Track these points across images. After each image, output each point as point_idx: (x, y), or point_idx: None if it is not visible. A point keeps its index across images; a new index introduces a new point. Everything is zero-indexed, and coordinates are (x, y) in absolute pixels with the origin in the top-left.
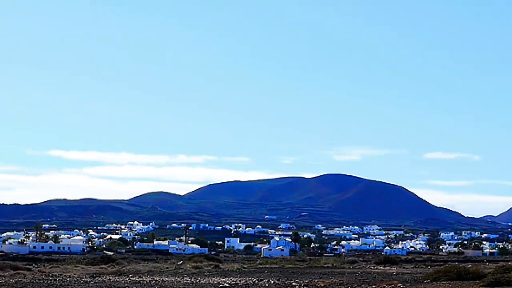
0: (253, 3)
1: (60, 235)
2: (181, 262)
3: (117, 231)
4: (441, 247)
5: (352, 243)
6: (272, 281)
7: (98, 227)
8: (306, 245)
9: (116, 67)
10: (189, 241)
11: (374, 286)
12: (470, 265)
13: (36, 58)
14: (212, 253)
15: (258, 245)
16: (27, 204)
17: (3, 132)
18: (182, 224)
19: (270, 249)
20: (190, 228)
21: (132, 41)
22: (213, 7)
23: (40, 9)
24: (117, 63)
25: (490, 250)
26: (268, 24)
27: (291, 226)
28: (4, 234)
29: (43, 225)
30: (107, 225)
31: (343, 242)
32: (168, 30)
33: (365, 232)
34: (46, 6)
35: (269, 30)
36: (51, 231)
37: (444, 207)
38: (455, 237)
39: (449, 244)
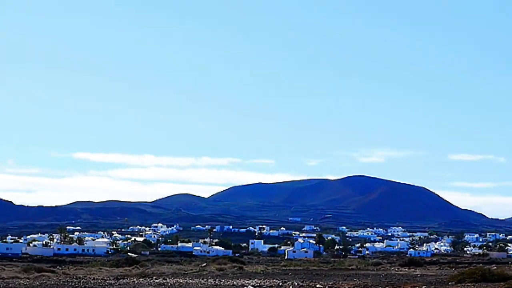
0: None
1: (84, 237)
2: (205, 264)
3: (141, 233)
4: (465, 249)
5: (377, 245)
6: (296, 283)
7: (122, 229)
8: (330, 247)
9: (139, 69)
10: (213, 243)
11: None
12: (495, 267)
13: (61, 60)
14: (236, 255)
15: (282, 247)
16: (51, 207)
17: (28, 135)
18: (206, 226)
19: (294, 251)
20: (214, 230)
21: (152, 43)
22: (232, 7)
23: (58, 10)
24: (140, 65)
25: None
26: (287, 24)
27: (315, 228)
28: (28, 236)
29: (68, 227)
30: (131, 227)
31: (367, 244)
32: (187, 31)
33: (390, 234)
34: (64, 8)
35: (289, 30)
36: (76, 233)
37: (469, 209)
38: (480, 239)
39: (474, 246)
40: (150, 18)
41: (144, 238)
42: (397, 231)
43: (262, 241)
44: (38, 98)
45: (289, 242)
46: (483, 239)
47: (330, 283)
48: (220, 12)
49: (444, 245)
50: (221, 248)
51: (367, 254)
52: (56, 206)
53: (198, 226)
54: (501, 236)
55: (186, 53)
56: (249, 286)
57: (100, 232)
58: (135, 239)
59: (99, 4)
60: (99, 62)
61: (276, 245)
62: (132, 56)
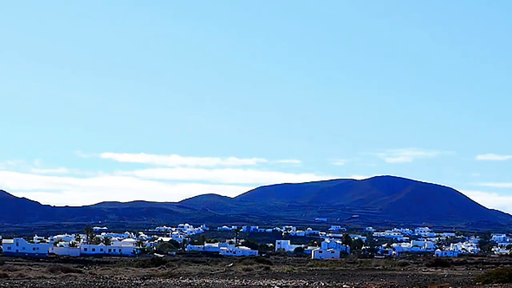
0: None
1: (111, 237)
2: (231, 264)
3: (167, 234)
4: (492, 249)
5: (403, 245)
6: (323, 283)
7: (149, 229)
8: (356, 247)
9: (165, 71)
10: (240, 243)
11: None
12: None
13: (88, 62)
14: (263, 255)
15: (309, 247)
16: (78, 207)
17: (55, 135)
18: (233, 227)
19: (320, 251)
20: (241, 230)
21: (175, 45)
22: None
23: (88, 13)
24: (164, 66)
25: None
26: (309, 24)
27: (342, 228)
28: (55, 237)
29: (94, 228)
30: (158, 227)
31: (394, 244)
32: (207, 33)
33: (416, 234)
34: (97, 11)
35: (312, 31)
36: (102, 234)
37: (496, 209)
38: (507, 239)
39: (501, 246)
40: (167, 19)
41: (171, 238)
42: (424, 231)
43: (289, 241)
44: (65, 98)
45: (315, 242)
46: (511, 239)
47: (357, 283)
48: (236, 11)
49: (471, 245)
50: (247, 248)
51: (394, 254)
52: (83, 206)
53: (225, 226)
54: None
55: (208, 54)
56: (276, 286)
57: (126, 232)
58: (161, 239)
59: (112, 5)
60: (124, 63)
61: (303, 245)
62: (155, 57)
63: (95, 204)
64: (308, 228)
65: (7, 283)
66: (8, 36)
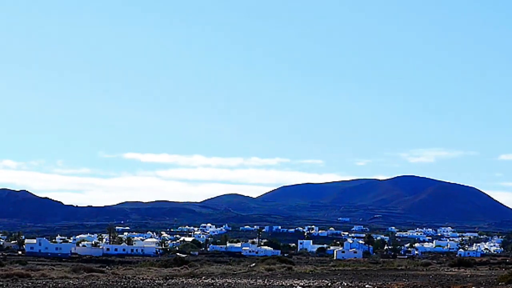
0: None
1: (133, 237)
2: (254, 264)
3: (190, 233)
4: None
5: (426, 245)
6: (345, 283)
7: (171, 229)
8: (379, 247)
9: (187, 73)
10: (262, 243)
11: None
12: None
13: (110, 64)
14: (285, 255)
15: (331, 247)
16: (100, 207)
17: (77, 135)
18: (255, 227)
19: (343, 251)
20: (263, 230)
21: (190, 47)
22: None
23: (101, 16)
24: (187, 68)
25: None
26: (326, 25)
27: (364, 228)
28: (78, 237)
29: (117, 227)
30: (180, 227)
31: (416, 244)
32: (217, 33)
33: (439, 234)
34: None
35: (330, 31)
36: (125, 233)
37: None
38: None
39: None
40: (178, 23)
41: (193, 238)
42: (447, 231)
43: (311, 241)
44: (88, 99)
45: (338, 242)
46: None
47: (380, 284)
48: (238, 14)
49: (494, 245)
50: (270, 248)
51: (417, 254)
52: (105, 206)
53: (247, 226)
54: None
55: (224, 55)
56: (298, 286)
57: (149, 232)
58: (184, 239)
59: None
60: (146, 65)
61: (325, 246)
62: (174, 58)
63: (118, 204)
64: (330, 228)
65: (30, 283)
66: (28, 38)
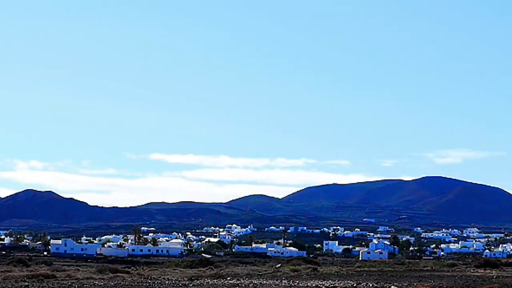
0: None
1: (158, 238)
2: (279, 265)
3: (215, 234)
4: None
5: (452, 246)
6: (371, 284)
7: (197, 230)
8: (405, 248)
9: (211, 73)
10: (287, 244)
11: None
12: None
13: (135, 64)
14: (311, 256)
15: (357, 248)
16: (126, 207)
17: (103, 136)
18: (280, 227)
19: (368, 252)
20: (288, 231)
21: (212, 48)
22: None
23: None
24: (211, 70)
25: None
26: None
27: (390, 229)
28: (103, 237)
29: (142, 228)
30: (205, 228)
31: (442, 245)
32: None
33: (465, 235)
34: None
35: (354, 32)
36: (150, 234)
37: None
38: None
39: None
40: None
41: (218, 239)
42: (473, 232)
43: (337, 242)
44: (114, 100)
45: (363, 243)
46: None
47: (405, 285)
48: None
49: None
50: (295, 249)
51: (442, 255)
52: (131, 207)
53: (272, 227)
54: None
55: (250, 57)
56: (323, 287)
57: (174, 233)
58: (209, 240)
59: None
60: (175, 68)
61: (351, 246)
62: (199, 59)
63: (143, 205)
64: (356, 229)
65: (55, 284)
66: (54, 40)
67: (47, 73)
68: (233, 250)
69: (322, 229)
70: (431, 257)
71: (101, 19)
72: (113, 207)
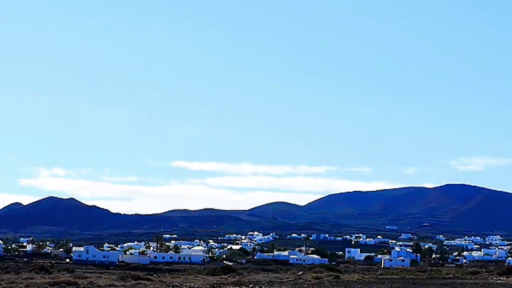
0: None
1: (180, 245)
2: (301, 272)
3: (237, 241)
4: None
5: (474, 253)
6: None
7: (218, 237)
8: (427, 256)
9: (234, 81)
10: (309, 252)
11: None
12: None
13: (157, 75)
14: (333, 263)
15: (379, 256)
16: (148, 215)
17: (126, 144)
18: (302, 235)
19: (390, 260)
20: (310, 238)
21: (233, 54)
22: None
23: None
24: (233, 77)
25: None
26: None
27: (412, 236)
28: (125, 244)
29: (164, 235)
30: (227, 235)
31: (465, 253)
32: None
33: (487, 242)
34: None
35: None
36: (172, 241)
37: None
38: None
39: None
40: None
41: (240, 246)
42: (495, 240)
43: (359, 249)
44: (136, 107)
45: (385, 250)
46: None
47: None
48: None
49: None
50: (317, 256)
51: (465, 262)
52: (153, 214)
53: (294, 235)
54: None
55: (276, 65)
56: None
57: (196, 240)
58: (231, 247)
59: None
60: (193, 74)
61: (373, 254)
62: (221, 65)
63: (165, 212)
64: (378, 237)
65: None
66: (79, 48)
67: (69, 82)
68: (255, 257)
69: (344, 237)
70: (454, 265)
71: (126, 29)
72: (135, 214)
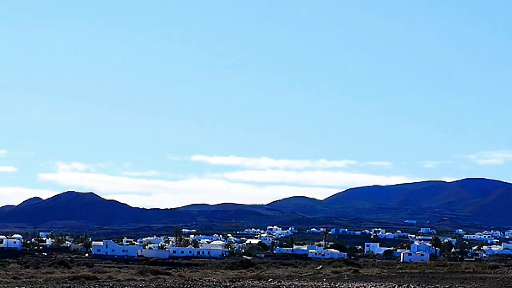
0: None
1: (199, 240)
2: (320, 266)
3: (256, 236)
4: None
5: (494, 248)
6: (413, 286)
7: (238, 232)
8: (446, 250)
9: (252, 74)
10: (328, 246)
11: None
12: None
13: (177, 68)
14: (352, 257)
15: (398, 250)
16: (167, 209)
17: (145, 138)
18: (321, 229)
19: (410, 254)
20: (330, 232)
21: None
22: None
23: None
24: (251, 70)
25: None
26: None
27: (431, 230)
28: (144, 239)
29: (183, 230)
30: (247, 229)
31: (484, 247)
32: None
33: (507, 236)
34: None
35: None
36: (191, 236)
37: None
38: None
39: None
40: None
41: (259, 240)
42: None
43: (378, 243)
44: (156, 102)
45: (405, 244)
46: None
47: (447, 286)
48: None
49: None
50: (336, 250)
51: (484, 257)
52: (172, 208)
53: (313, 229)
54: None
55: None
56: None
57: (215, 234)
58: (250, 241)
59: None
60: (213, 67)
61: (392, 248)
62: (242, 61)
63: (184, 207)
64: (397, 231)
65: (96, 285)
66: (91, 44)
67: (88, 79)
68: (274, 251)
69: (363, 231)
70: (473, 259)
71: (145, 34)
72: (155, 208)
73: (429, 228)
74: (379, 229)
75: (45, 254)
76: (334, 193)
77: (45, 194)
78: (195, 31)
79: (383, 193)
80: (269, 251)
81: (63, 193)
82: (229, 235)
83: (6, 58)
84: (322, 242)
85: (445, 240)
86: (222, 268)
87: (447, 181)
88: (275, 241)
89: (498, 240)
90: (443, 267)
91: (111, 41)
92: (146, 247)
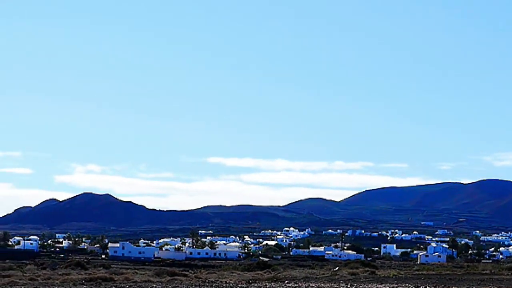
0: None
1: (216, 241)
2: (337, 268)
3: (272, 237)
4: None
5: (511, 249)
6: None
7: (254, 233)
8: (463, 252)
9: (267, 77)
10: (345, 247)
11: None
12: None
13: (191, 70)
14: (368, 259)
15: (415, 252)
16: (183, 211)
17: (161, 140)
18: (338, 230)
19: (427, 255)
20: (346, 234)
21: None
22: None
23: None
24: (266, 70)
25: None
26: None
27: (448, 232)
28: (161, 240)
29: (199, 231)
30: (263, 231)
31: (501, 248)
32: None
33: None
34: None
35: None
36: (207, 237)
37: None
38: None
39: None
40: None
41: (276, 242)
42: None
43: (395, 245)
44: (170, 104)
45: (421, 246)
46: None
47: None
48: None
49: None
50: (353, 252)
51: (501, 258)
52: (188, 210)
53: (330, 230)
54: None
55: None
56: None
57: (231, 236)
58: (266, 243)
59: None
60: (229, 68)
61: (409, 250)
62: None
63: (201, 208)
64: (414, 232)
65: (113, 287)
66: (114, 47)
67: (104, 81)
68: (291, 253)
69: (380, 232)
70: (490, 261)
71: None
72: (171, 210)
73: (446, 230)
74: (396, 230)
75: (62, 255)
76: (351, 195)
77: (61, 196)
78: (211, 32)
79: (399, 195)
80: (286, 252)
81: (79, 194)
82: (245, 236)
83: (21, 58)
84: (339, 244)
85: (462, 242)
86: (238, 270)
87: (464, 182)
88: (292, 243)
89: None
90: (460, 269)
91: (122, 41)
92: (163, 248)
